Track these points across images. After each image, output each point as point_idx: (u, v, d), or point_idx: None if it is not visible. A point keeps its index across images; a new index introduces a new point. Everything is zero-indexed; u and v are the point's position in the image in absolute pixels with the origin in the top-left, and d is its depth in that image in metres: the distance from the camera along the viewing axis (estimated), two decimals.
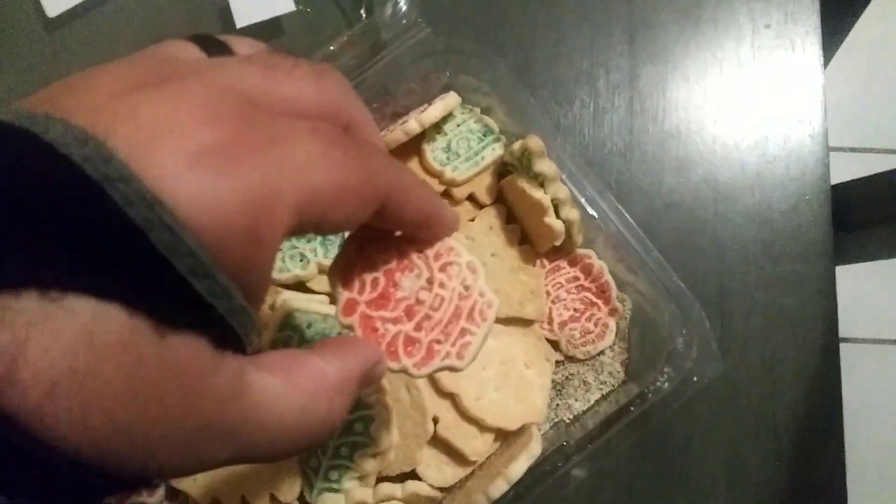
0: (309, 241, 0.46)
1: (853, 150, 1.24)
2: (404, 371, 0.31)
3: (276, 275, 0.46)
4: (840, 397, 0.48)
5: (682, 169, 0.52)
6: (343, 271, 0.31)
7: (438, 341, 0.31)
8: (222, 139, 0.17)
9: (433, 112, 0.45)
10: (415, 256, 0.32)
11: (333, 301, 0.32)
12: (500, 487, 0.38)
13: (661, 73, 0.53)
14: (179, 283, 0.16)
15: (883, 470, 1.10)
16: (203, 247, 0.16)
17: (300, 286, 0.46)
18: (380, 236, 0.31)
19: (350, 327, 0.31)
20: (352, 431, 0.41)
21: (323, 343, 0.25)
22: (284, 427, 0.21)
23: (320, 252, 0.46)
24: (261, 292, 0.20)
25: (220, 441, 0.19)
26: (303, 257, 0.46)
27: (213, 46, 0.23)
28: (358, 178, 0.21)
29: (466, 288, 0.32)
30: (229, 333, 0.18)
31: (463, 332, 0.32)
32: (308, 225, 0.20)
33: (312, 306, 0.44)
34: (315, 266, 0.46)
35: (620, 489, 0.47)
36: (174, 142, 0.16)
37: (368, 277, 0.31)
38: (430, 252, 0.32)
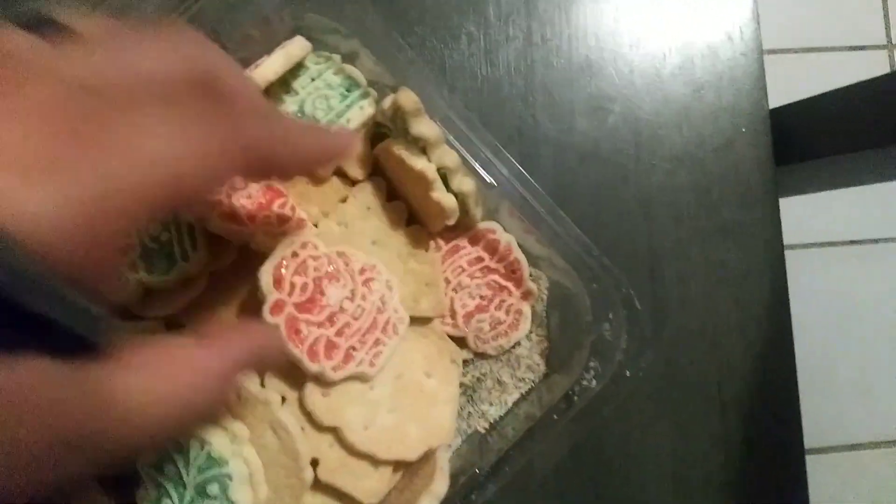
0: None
1: (786, 51, 1.15)
2: (321, 374, 0.34)
3: None
4: (793, 363, 0.42)
5: (596, 110, 0.43)
6: (275, 272, 0.34)
7: (355, 348, 0.35)
8: (56, 147, 0.18)
9: (272, 65, 0.35)
10: (343, 267, 0.35)
11: (261, 300, 0.33)
12: None
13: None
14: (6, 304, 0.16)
15: (840, 437, 1.05)
16: (29, 261, 0.16)
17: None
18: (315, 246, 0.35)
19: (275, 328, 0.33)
20: (206, 494, 0.32)
21: (208, 329, 0.29)
22: (157, 421, 0.21)
23: (141, 267, 0.36)
24: (116, 287, 0.23)
25: (84, 453, 0.19)
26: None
27: (48, 27, 0.20)
28: (227, 147, 0.22)
29: (384, 303, 0.36)
30: (79, 341, 0.18)
31: (377, 342, 0.35)
32: (182, 205, 0.24)
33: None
34: (137, 285, 0.35)
35: (549, 495, 0.41)
36: (3, 159, 0.17)
37: (299, 281, 0.34)
38: (356, 266, 0.36)
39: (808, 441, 0.42)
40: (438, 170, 0.35)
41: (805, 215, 1.05)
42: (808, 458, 0.41)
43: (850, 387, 1.06)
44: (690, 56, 0.44)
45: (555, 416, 0.35)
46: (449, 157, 0.35)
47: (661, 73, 0.44)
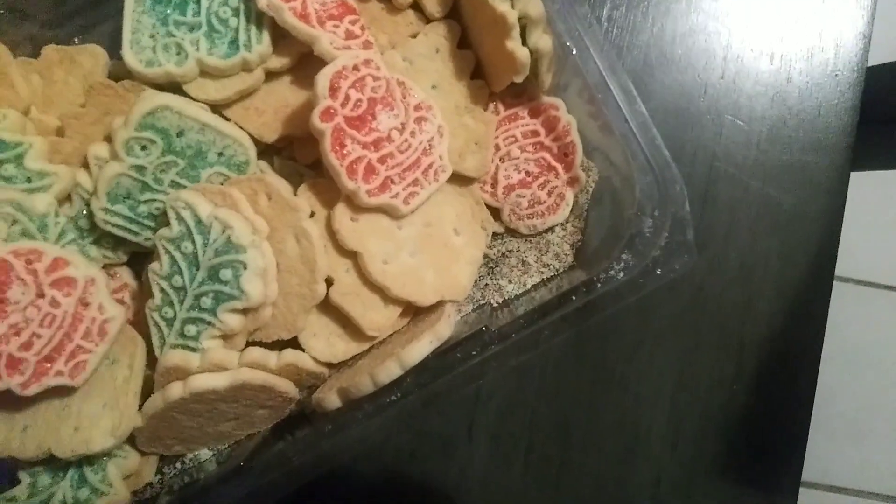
0: (192, 30, 0.36)
1: None
2: (355, 193, 0.34)
3: (142, 68, 0.36)
4: (823, 327, 0.41)
5: (690, 13, 0.42)
6: (334, 78, 0.34)
7: (394, 181, 0.35)
8: None
9: None
10: (399, 98, 0.35)
11: (313, 103, 0.34)
12: (390, 371, 0.31)
13: None
14: None
15: (849, 421, 1.04)
16: None
17: (174, 89, 0.36)
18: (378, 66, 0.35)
19: (321, 133, 0.33)
20: (217, 278, 0.33)
21: None
22: None
23: (203, 46, 0.36)
24: None
25: None
26: (179, 49, 0.36)
27: None
28: None
29: (431, 146, 0.36)
30: None
31: (416, 182, 0.36)
32: None
33: (190, 109, 0.34)
34: (195, 63, 0.36)
35: (545, 391, 0.41)
36: None
37: (354, 95, 0.34)
38: (413, 101, 0.36)
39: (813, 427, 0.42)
40: (520, 19, 0.35)
41: (867, 251, 1.02)
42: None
43: (857, 430, 1.05)
44: None
45: (573, 297, 0.35)
46: (534, 7, 0.34)
47: (766, 1, 0.42)
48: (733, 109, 0.42)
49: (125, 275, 0.38)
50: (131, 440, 0.35)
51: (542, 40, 0.35)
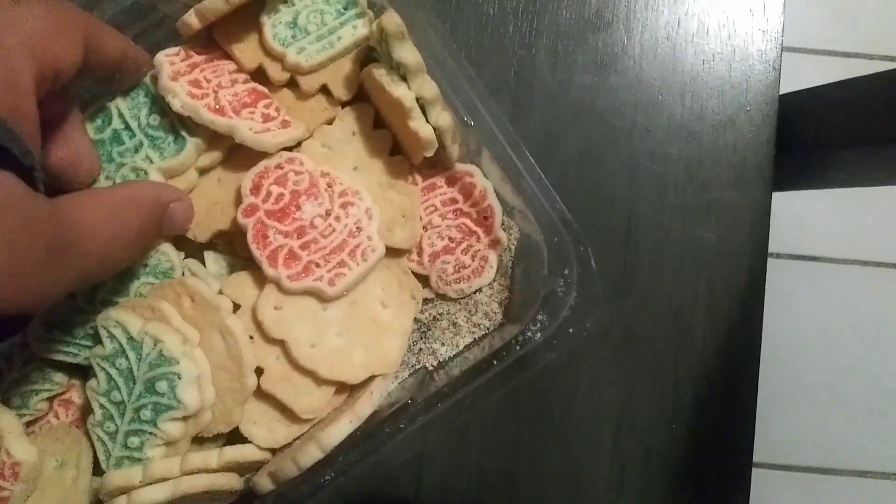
0: (137, 151, 0.38)
1: (806, 51, 1.09)
2: (277, 280, 0.37)
3: None
4: (757, 358, 0.43)
5: (599, 65, 0.44)
6: (256, 178, 0.38)
7: (318, 264, 0.37)
8: None
9: None
10: (323, 187, 0.38)
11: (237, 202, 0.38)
12: (311, 454, 0.33)
13: None
14: None
15: (791, 431, 1.05)
16: None
17: None
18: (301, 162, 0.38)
19: (245, 227, 0.37)
20: (154, 391, 0.35)
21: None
22: (105, 237, 0.29)
23: (156, 157, 0.38)
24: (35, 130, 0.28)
25: (63, 258, 0.26)
26: (137, 171, 0.38)
27: None
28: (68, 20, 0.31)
29: (359, 229, 0.38)
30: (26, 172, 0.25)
31: (342, 263, 0.38)
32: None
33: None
34: (157, 174, 0.38)
35: (485, 452, 0.43)
36: None
37: (276, 191, 0.38)
38: (338, 189, 0.38)
39: (757, 454, 0.43)
40: (417, 100, 0.37)
41: (798, 226, 1.03)
42: (754, 472, 0.42)
43: (807, 408, 1.05)
44: (706, 25, 0.44)
45: (494, 362, 0.37)
46: (427, 88, 0.36)
47: (673, 38, 0.44)
48: (647, 154, 0.44)
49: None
50: None
51: (442, 117, 0.37)
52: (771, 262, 0.43)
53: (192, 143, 0.38)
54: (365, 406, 0.35)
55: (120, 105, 0.39)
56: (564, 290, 0.37)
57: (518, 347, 0.37)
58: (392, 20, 0.35)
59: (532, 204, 0.37)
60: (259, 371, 0.37)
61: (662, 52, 0.44)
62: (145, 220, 0.32)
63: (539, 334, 0.37)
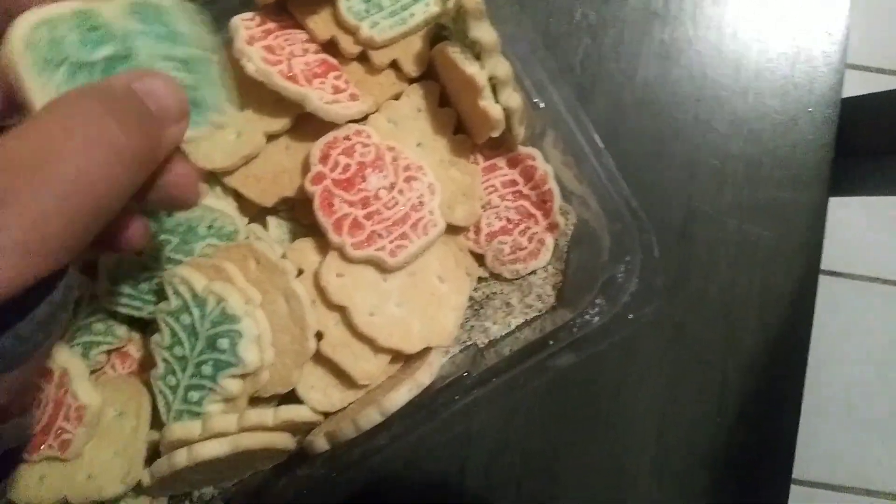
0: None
1: (868, 69, 1.10)
2: (341, 247, 0.38)
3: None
4: (805, 362, 0.43)
5: (663, 58, 0.44)
6: (324, 148, 0.38)
7: (380, 235, 0.38)
8: None
9: None
10: (389, 161, 0.39)
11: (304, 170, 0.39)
12: (371, 418, 0.34)
13: None
14: None
15: (834, 437, 1.04)
16: None
17: None
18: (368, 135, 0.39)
19: (311, 195, 0.38)
20: (215, 348, 0.36)
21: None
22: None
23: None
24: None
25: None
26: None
27: None
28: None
29: (421, 203, 0.39)
30: None
31: (404, 235, 0.38)
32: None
33: None
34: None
35: (531, 433, 0.43)
36: None
37: (343, 161, 0.38)
38: (402, 163, 0.39)
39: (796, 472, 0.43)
40: (489, 79, 0.37)
41: (854, 247, 1.03)
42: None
43: (851, 427, 1.05)
44: (774, 25, 0.45)
45: (550, 342, 0.37)
46: (501, 68, 0.37)
47: (739, 35, 0.44)
48: (708, 150, 0.44)
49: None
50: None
51: (512, 98, 0.38)
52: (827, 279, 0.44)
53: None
54: (424, 375, 0.36)
55: None
56: (625, 276, 0.37)
57: (575, 329, 0.37)
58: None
59: (597, 188, 0.38)
60: (318, 336, 0.38)
61: (727, 49, 0.44)
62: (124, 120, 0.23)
63: (597, 318, 0.37)
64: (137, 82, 0.24)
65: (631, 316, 0.37)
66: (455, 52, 0.37)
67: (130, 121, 0.23)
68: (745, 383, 0.44)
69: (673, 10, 0.44)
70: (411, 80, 0.42)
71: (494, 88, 0.38)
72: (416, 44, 0.41)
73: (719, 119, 0.44)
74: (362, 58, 0.41)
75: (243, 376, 0.37)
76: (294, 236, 0.41)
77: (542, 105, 0.38)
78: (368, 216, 0.39)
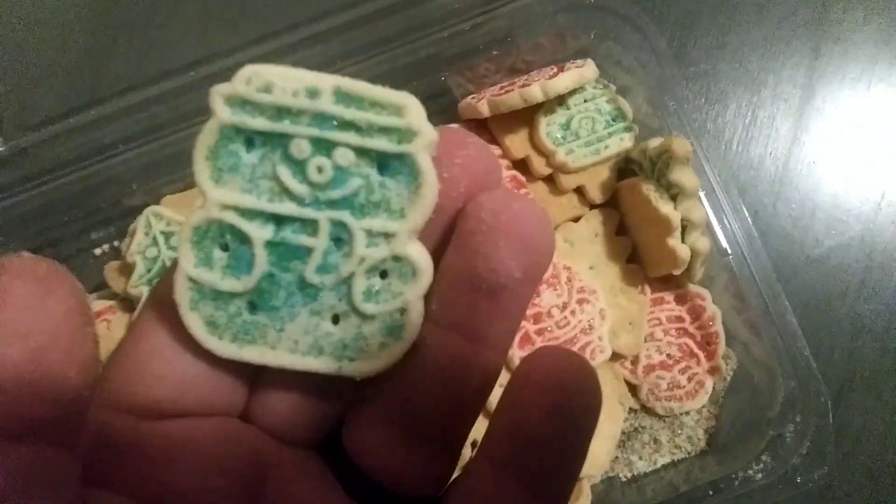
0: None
1: None
2: (510, 360, 0.38)
3: None
4: None
5: (837, 220, 0.45)
6: None
7: None
8: None
9: (564, 81, 0.40)
10: (564, 280, 0.40)
11: None
12: None
13: (846, 96, 0.46)
14: None
15: None
16: None
17: None
18: None
19: None
20: None
21: None
22: None
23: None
24: None
25: None
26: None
27: None
28: None
29: (591, 327, 0.40)
30: None
31: None
32: None
33: None
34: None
35: None
36: None
37: None
38: (577, 284, 0.40)
39: None
40: (681, 220, 0.38)
41: None
42: None
43: None
44: None
45: (711, 492, 0.37)
46: (697, 212, 0.38)
47: None
48: (871, 315, 0.44)
49: None
50: None
51: (700, 241, 0.39)
52: None
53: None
54: None
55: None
56: (794, 436, 0.37)
57: (737, 483, 0.37)
58: (683, 145, 0.37)
59: (773, 340, 0.38)
60: (473, 445, 0.38)
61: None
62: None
63: (760, 475, 0.37)
64: None
65: (799, 479, 0.36)
66: (650, 190, 0.39)
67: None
68: None
69: (852, 174, 0.45)
70: (592, 206, 0.43)
71: (684, 229, 0.39)
72: (604, 173, 0.43)
73: (885, 286, 0.44)
74: (548, 179, 0.43)
75: None
76: None
77: (729, 253, 0.38)
78: (539, 332, 0.39)
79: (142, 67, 0.45)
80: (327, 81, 0.18)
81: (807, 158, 0.46)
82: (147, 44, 0.46)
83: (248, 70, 0.18)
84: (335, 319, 0.19)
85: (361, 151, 0.18)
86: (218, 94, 0.18)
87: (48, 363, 0.15)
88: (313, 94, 0.18)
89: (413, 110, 0.18)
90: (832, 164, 0.46)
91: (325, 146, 0.18)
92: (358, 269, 0.19)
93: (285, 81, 0.18)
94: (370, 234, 0.19)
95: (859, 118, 0.46)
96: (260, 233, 0.19)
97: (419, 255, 0.19)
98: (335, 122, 0.18)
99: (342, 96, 0.18)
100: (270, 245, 0.19)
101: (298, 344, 0.19)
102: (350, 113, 0.18)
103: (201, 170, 0.18)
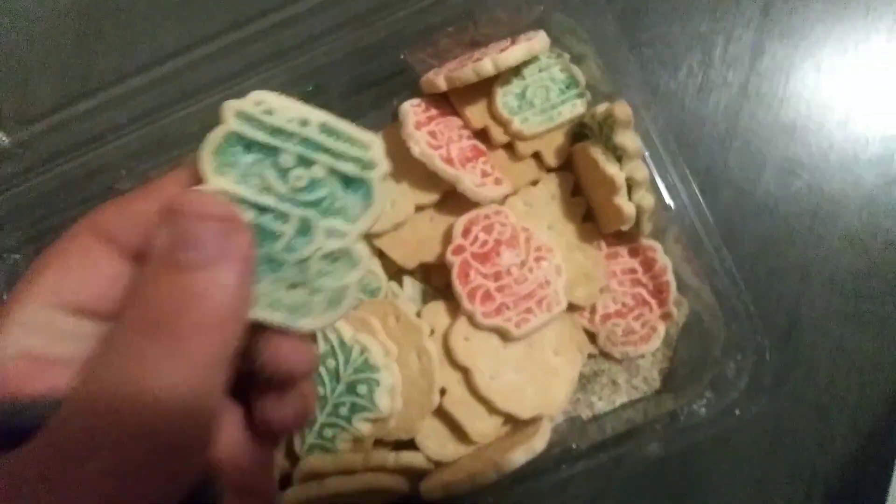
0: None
1: None
2: (471, 315, 0.42)
3: None
4: (892, 469, 0.45)
5: (785, 171, 0.48)
6: (467, 223, 0.43)
7: (508, 307, 0.42)
8: None
9: (514, 54, 0.42)
10: (522, 240, 0.43)
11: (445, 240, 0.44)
12: (488, 476, 0.37)
13: (790, 55, 0.48)
14: None
15: None
16: None
17: None
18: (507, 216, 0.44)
19: (451, 264, 0.42)
20: (354, 392, 0.41)
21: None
22: None
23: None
24: None
25: None
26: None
27: None
28: None
29: (548, 282, 0.43)
30: None
31: (529, 310, 0.43)
32: None
33: None
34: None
35: None
36: None
37: (482, 237, 0.43)
38: (534, 243, 0.44)
39: None
40: (626, 180, 0.41)
41: None
42: None
43: None
44: (892, 151, 0.47)
45: (658, 426, 0.41)
46: (640, 172, 0.41)
47: (860, 157, 0.47)
48: (819, 260, 0.47)
49: None
50: None
51: (645, 199, 0.42)
52: None
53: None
54: (539, 442, 0.39)
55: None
56: (735, 373, 0.40)
57: (682, 418, 0.40)
58: (624, 110, 0.40)
59: (715, 286, 0.41)
60: (441, 392, 0.42)
61: (847, 169, 0.47)
62: None
63: (704, 410, 0.40)
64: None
65: (738, 412, 0.40)
66: (597, 153, 0.42)
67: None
68: (834, 485, 0.46)
69: (799, 127, 0.48)
70: (549, 170, 0.46)
71: (630, 188, 0.42)
72: (558, 138, 0.46)
73: (832, 233, 0.47)
74: (507, 146, 0.46)
75: (375, 420, 0.41)
76: (425, 296, 0.46)
77: (672, 207, 0.41)
78: (500, 289, 0.43)
79: (125, 59, 0.49)
80: (317, 116, 0.25)
81: (756, 115, 0.48)
82: (131, 33, 0.50)
83: (258, 95, 0.25)
84: (291, 287, 0.25)
85: (333, 171, 0.25)
86: (230, 108, 0.24)
87: None
88: (304, 123, 0.25)
89: (376, 147, 0.25)
90: (781, 119, 0.48)
91: (306, 162, 0.25)
92: (315, 255, 0.25)
93: (285, 110, 0.25)
94: (328, 231, 0.25)
95: (807, 74, 0.48)
96: (244, 216, 0.24)
97: (361, 252, 0.25)
98: (317, 146, 0.25)
99: (326, 129, 0.25)
100: (250, 226, 0.24)
101: (260, 300, 0.24)
102: (330, 142, 0.25)
103: (206, 161, 0.24)
